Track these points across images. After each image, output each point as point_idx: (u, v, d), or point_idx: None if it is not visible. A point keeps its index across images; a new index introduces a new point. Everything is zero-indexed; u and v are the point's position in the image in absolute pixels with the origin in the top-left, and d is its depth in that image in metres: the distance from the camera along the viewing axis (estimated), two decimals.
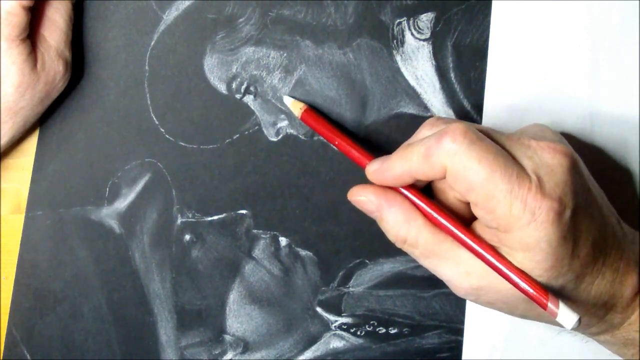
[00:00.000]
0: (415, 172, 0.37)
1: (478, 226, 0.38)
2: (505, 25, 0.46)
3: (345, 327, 0.47)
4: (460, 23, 0.46)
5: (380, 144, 0.46)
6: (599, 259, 0.38)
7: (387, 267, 0.47)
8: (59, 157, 0.46)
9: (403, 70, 0.46)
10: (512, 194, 0.35)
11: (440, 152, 0.36)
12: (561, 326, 0.36)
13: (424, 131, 0.40)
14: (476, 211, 0.37)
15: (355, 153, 0.41)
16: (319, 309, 0.47)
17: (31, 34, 0.41)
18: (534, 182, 0.35)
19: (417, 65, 0.46)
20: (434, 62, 0.46)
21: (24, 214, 0.46)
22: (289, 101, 0.45)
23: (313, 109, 0.45)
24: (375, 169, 0.39)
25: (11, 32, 0.40)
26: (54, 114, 0.46)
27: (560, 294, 0.37)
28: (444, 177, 0.37)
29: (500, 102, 0.46)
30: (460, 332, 0.47)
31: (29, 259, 0.46)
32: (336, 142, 0.42)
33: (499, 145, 0.37)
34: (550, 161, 0.36)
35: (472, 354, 0.47)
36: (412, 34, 0.45)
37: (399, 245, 0.40)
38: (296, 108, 0.45)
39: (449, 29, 0.46)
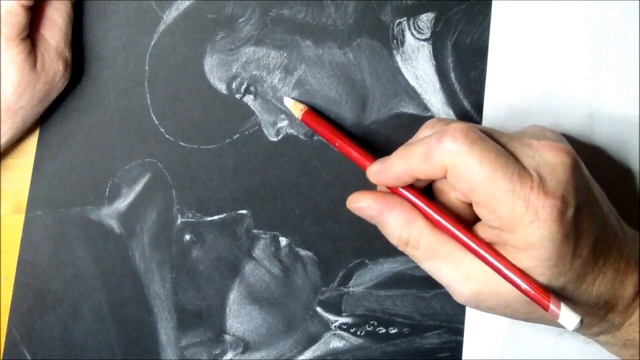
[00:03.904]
0: (416, 171, 0.37)
1: (480, 228, 0.38)
2: (505, 25, 0.46)
3: (345, 327, 0.47)
4: (460, 23, 0.46)
5: (380, 143, 0.46)
6: (600, 258, 0.38)
7: (387, 267, 0.47)
8: (59, 157, 0.46)
9: (403, 70, 0.46)
10: (514, 193, 0.35)
11: (441, 152, 0.36)
12: (563, 327, 0.36)
13: (424, 132, 0.40)
14: (478, 211, 0.37)
15: (356, 155, 0.41)
16: (319, 309, 0.47)
17: (31, 34, 0.41)
18: (536, 180, 0.35)
19: (417, 65, 0.46)
20: (434, 62, 0.46)
21: (24, 214, 0.46)
22: (289, 102, 0.45)
23: (313, 110, 0.45)
24: (376, 169, 0.39)
25: (11, 32, 0.40)
26: (54, 114, 0.46)
27: (561, 294, 0.37)
28: (445, 177, 0.37)
29: (500, 102, 0.46)
30: (460, 332, 0.47)
31: (29, 259, 0.46)
32: (337, 144, 0.42)
33: (500, 145, 0.37)
34: (552, 160, 0.36)
35: (472, 354, 0.47)
36: (412, 34, 0.46)
37: (401, 247, 0.40)
38: (297, 109, 0.44)
39: (449, 29, 0.46)
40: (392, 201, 0.39)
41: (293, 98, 0.45)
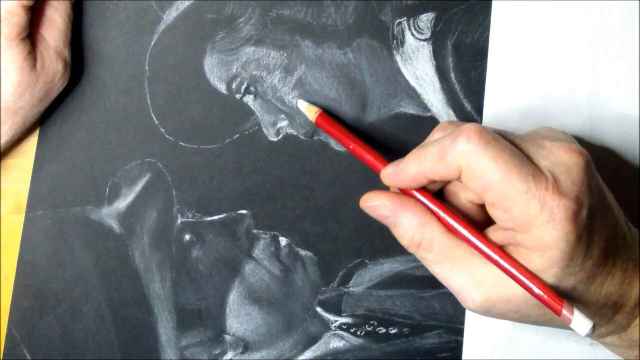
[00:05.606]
0: (430, 173, 0.37)
1: (492, 232, 0.38)
2: (505, 25, 0.46)
3: (345, 327, 0.47)
4: (460, 23, 0.46)
5: (380, 144, 0.46)
6: (610, 259, 0.38)
7: (387, 267, 0.47)
8: (59, 157, 0.46)
9: (403, 70, 0.46)
10: (529, 193, 0.35)
11: (455, 152, 0.36)
12: (574, 331, 0.35)
13: (437, 134, 0.40)
14: (492, 211, 0.37)
15: (370, 157, 0.41)
16: (319, 309, 0.47)
17: (30, 34, 0.41)
18: (551, 181, 0.35)
19: (417, 65, 0.46)
20: (434, 62, 0.46)
21: (24, 214, 0.46)
22: (303, 105, 0.45)
23: (327, 113, 0.45)
24: (391, 171, 0.39)
25: (11, 31, 0.40)
26: (54, 114, 0.46)
27: (571, 294, 0.37)
28: (459, 178, 0.37)
29: (500, 102, 0.46)
30: (460, 332, 0.47)
31: (29, 259, 0.46)
32: (351, 146, 0.42)
33: (513, 145, 0.37)
34: (566, 160, 0.36)
35: (472, 354, 0.47)
36: (412, 34, 0.46)
37: (412, 250, 0.39)
38: (311, 112, 0.44)
39: (449, 29, 0.46)
40: (407, 202, 0.39)
41: (307, 101, 0.45)
